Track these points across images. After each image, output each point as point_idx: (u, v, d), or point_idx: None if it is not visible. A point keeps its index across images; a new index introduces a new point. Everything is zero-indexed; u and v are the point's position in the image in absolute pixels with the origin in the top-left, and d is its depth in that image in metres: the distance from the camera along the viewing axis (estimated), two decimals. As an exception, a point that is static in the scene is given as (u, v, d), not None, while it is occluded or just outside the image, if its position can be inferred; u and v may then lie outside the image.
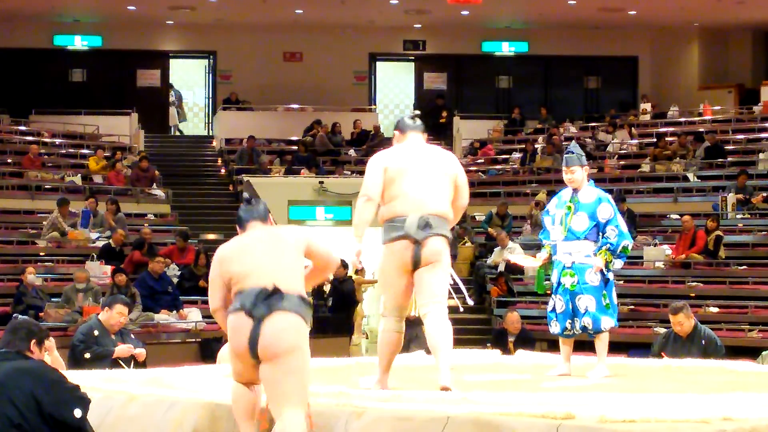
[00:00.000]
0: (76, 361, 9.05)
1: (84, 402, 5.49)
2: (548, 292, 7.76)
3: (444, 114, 26.89)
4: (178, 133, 28.07)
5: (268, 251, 5.41)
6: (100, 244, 17.97)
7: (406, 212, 6.27)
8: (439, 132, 26.83)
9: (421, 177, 6.34)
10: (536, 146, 23.91)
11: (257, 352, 5.25)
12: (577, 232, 7.53)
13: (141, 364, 9.24)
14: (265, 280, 5.29)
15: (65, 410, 5.36)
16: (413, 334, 12.18)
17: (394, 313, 6.39)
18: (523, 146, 24.19)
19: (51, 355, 6.01)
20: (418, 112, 6.84)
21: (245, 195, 6.05)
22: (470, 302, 7.18)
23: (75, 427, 5.38)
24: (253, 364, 5.30)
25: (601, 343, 7.54)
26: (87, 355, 9.09)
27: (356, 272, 17.90)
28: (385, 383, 6.41)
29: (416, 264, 6.29)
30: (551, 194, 8.09)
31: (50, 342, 5.86)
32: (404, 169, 6.34)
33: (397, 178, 6.33)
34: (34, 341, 5.63)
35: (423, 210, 6.28)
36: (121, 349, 9.17)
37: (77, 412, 5.38)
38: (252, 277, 5.32)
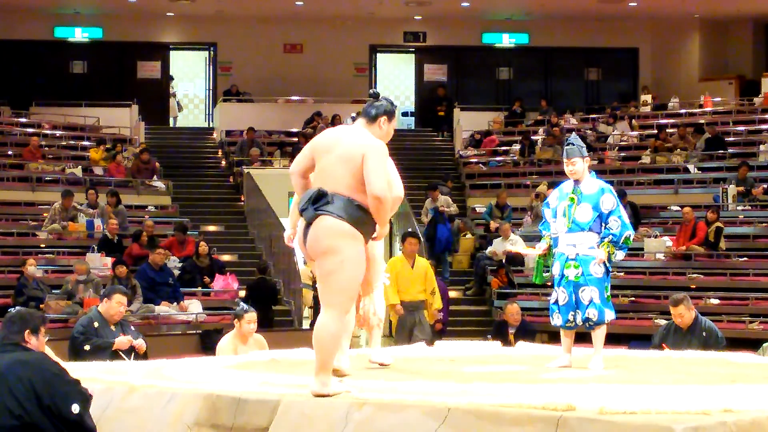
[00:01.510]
0: (76, 352, 9.05)
1: (83, 397, 5.48)
2: (548, 283, 7.74)
3: (444, 105, 26.86)
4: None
5: (335, 155, 5.64)
6: (99, 236, 17.96)
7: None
8: (439, 123, 26.84)
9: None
10: (536, 138, 23.90)
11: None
12: (581, 223, 7.51)
13: (142, 356, 9.24)
14: (319, 183, 5.65)
15: (63, 404, 5.36)
16: (416, 320, 12.19)
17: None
18: (524, 137, 24.17)
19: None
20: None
21: (372, 91, 6.14)
22: None
23: (73, 421, 5.38)
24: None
25: (600, 334, 7.54)
26: (87, 347, 9.07)
27: None
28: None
29: None
30: (552, 186, 8.06)
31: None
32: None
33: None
34: (27, 330, 5.61)
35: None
36: (121, 341, 9.15)
37: (75, 408, 5.37)
38: (316, 180, 5.69)
